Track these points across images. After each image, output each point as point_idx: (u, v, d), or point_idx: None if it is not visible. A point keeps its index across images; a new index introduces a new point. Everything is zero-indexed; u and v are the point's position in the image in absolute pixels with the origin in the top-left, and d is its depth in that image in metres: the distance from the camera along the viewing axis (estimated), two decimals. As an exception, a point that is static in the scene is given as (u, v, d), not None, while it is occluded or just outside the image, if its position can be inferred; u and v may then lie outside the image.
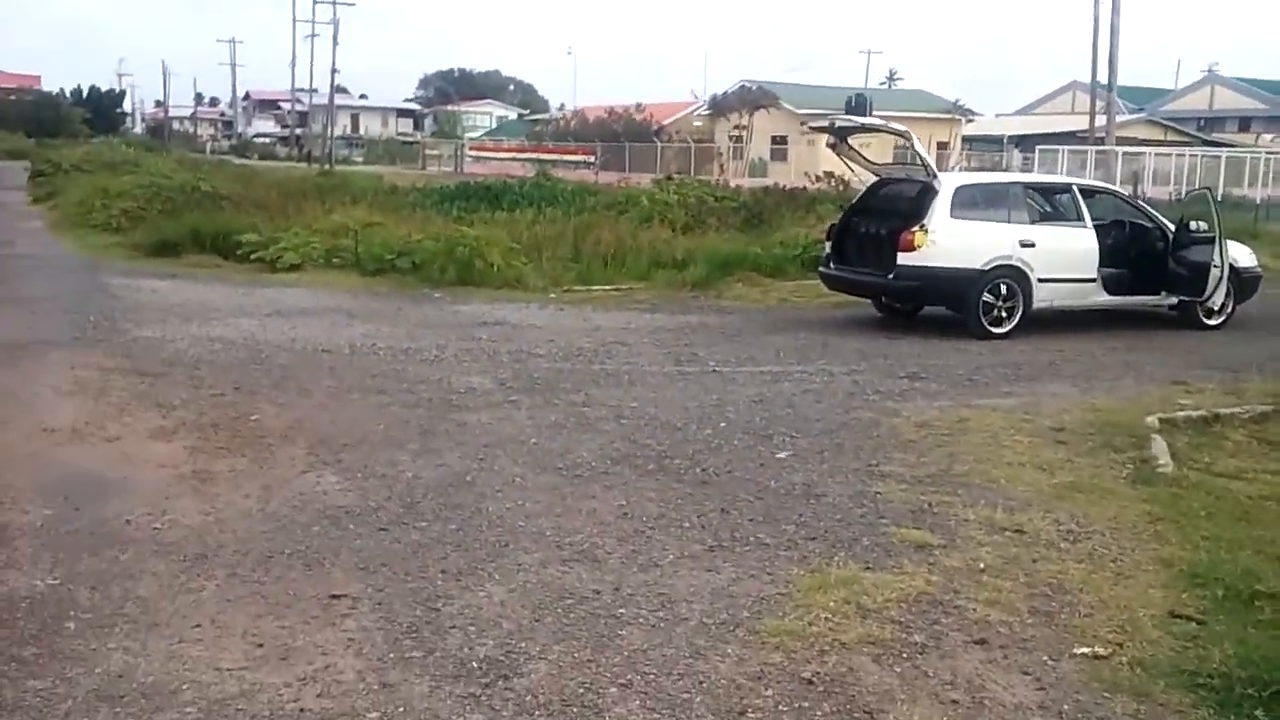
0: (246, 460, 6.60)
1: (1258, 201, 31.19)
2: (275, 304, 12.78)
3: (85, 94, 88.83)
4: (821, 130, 12.98)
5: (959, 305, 11.64)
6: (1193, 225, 12.27)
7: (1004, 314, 11.65)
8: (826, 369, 9.84)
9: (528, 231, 18.96)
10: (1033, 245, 11.65)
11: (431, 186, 30.61)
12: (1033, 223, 11.96)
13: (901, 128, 12.29)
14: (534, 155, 63.33)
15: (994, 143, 58.35)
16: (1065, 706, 3.90)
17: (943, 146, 55.85)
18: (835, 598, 4.71)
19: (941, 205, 11.54)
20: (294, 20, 69.68)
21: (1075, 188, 12.64)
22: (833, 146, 12.99)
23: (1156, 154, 36.91)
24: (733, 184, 33.36)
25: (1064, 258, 11.84)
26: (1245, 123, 63.29)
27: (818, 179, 33.19)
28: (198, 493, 5.98)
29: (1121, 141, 54.85)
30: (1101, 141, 34.36)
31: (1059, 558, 5.30)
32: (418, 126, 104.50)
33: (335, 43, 64.16)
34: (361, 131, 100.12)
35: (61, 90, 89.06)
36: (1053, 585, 4.97)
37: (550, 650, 4.20)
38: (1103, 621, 4.60)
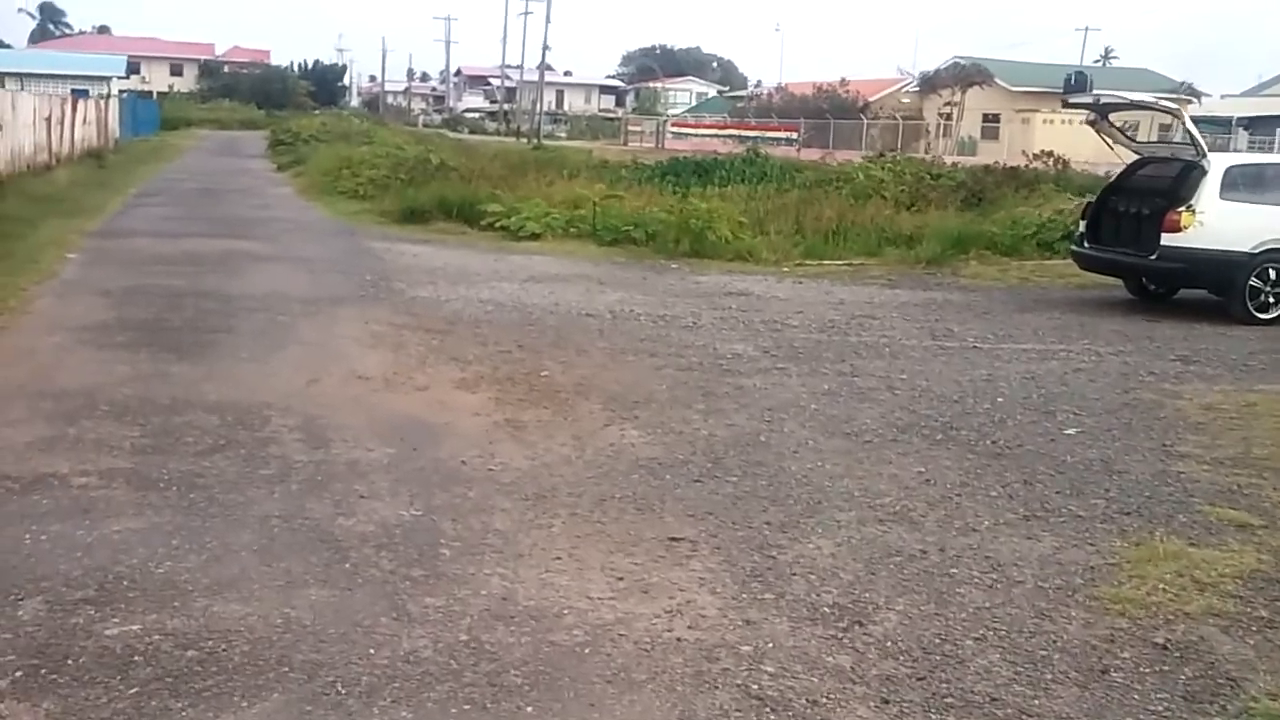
0: (549, 412, 6.99)
1: None
2: (527, 270, 13.32)
3: (310, 67, 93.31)
4: (1083, 106, 12.63)
5: (1224, 289, 11.22)
6: None
7: (1271, 299, 11.17)
8: (1091, 349, 9.67)
9: (748, 206, 19.13)
10: (1310, 229, 11.12)
11: (641, 161, 31.16)
12: (1318, 207, 11.39)
13: (1172, 105, 11.90)
14: (735, 132, 63.35)
15: (1221, 125, 55.24)
16: None
17: (1166, 129, 53.31)
18: (1168, 570, 4.72)
19: (1211, 185, 11.12)
20: (507, -2, 71.30)
21: (1360, 169, 11.97)
22: (1092, 123, 12.64)
23: None
24: (947, 161, 32.66)
25: (1338, 243, 11.25)
26: None
27: (1035, 157, 32.22)
28: (516, 439, 6.39)
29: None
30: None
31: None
32: (619, 103, 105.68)
33: (548, 20, 65.57)
34: (566, 107, 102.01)
35: (291, 64, 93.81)
36: (1393, 571, 4.84)
37: (895, 602, 4.36)
38: None
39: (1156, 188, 11.99)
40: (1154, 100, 12.15)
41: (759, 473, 5.90)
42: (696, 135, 67.46)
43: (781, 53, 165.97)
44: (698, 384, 7.87)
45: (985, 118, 53.34)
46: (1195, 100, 53.36)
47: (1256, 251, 11.03)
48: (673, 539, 4.93)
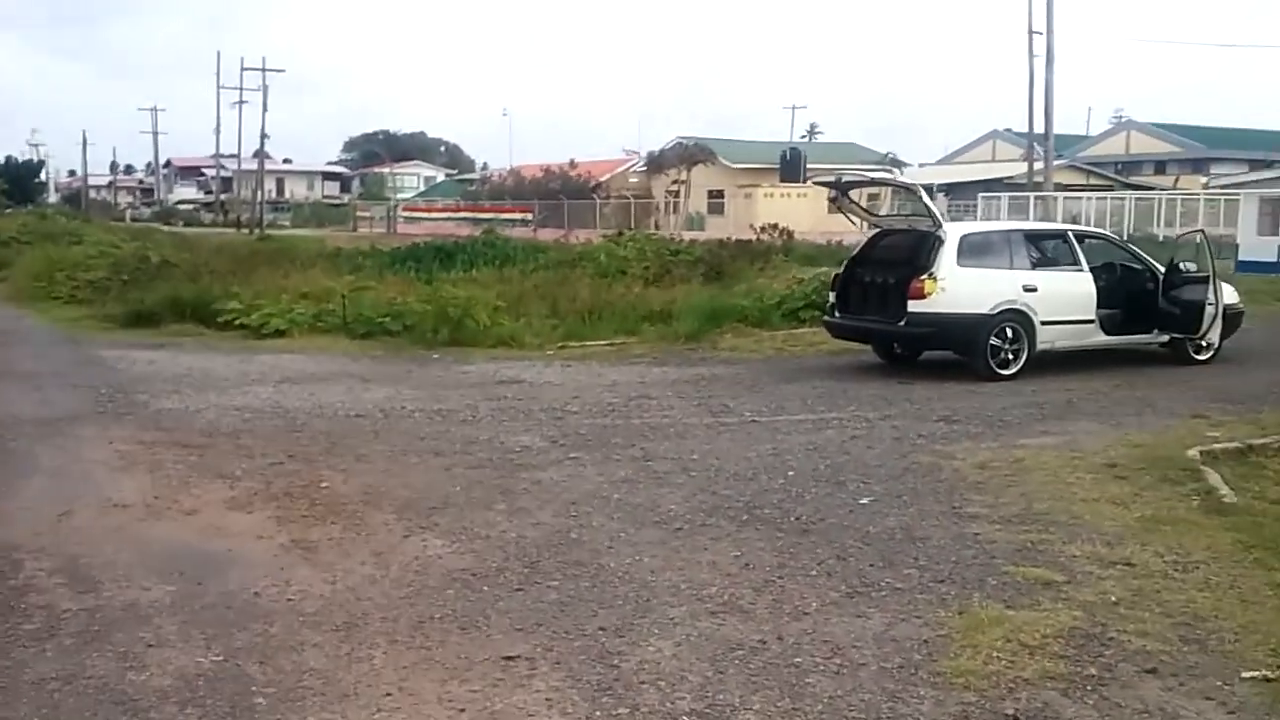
0: (339, 528, 6.54)
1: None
2: (280, 371, 12.64)
3: (2, 164, 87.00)
4: (826, 184, 13.24)
5: (968, 349, 11.93)
6: (1182, 266, 12.75)
7: (1010, 356, 11.96)
8: (859, 415, 10.01)
9: (500, 290, 19.01)
10: (1035, 290, 12.02)
11: (378, 248, 30.52)
12: (1033, 268, 12.34)
13: (908, 181, 12.67)
14: (470, 214, 63.43)
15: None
16: (1264, 729, 4.04)
17: (874, 197, 57.22)
18: (995, 636, 4.82)
19: (949, 253, 11.86)
20: (219, 87, 69.14)
21: (1070, 233, 13.09)
22: (833, 200, 13.27)
23: (1090, 197, 38.02)
24: (677, 237, 33.62)
25: (1064, 301, 12.22)
26: (1160, 165, 65.59)
27: (762, 230, 33.80)
28: (309, 562, 5.91)
29: (1036, 186, 56.65)
30: (1039, 187, 35.42)
31: (1180, 587, 5.47)
32: (344, 189, 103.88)
33: (265, 109, 63.67)
34: (287, 195, 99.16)
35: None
36: (1189, 614, 5.13)
37: (750, 701, 4.24)
38: (1253, 645, 4.77)
39: (900, 257, 12.69)
40: (892, 177, 12.88)
41: (579, 574, 5.68)
42: (429, 219, 67.06)
43: (510, 136, 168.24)
44: (493, 482, 7.58)
45: (710, 194, 55.64)
46: (899, 169, 57.60)
47: (995, 312, 11.80)
48: (507, 658, 4.63)
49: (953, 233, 12.07)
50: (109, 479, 7.69)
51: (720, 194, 55.33)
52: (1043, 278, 12.23)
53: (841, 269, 13.15)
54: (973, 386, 11.52)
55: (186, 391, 11.20)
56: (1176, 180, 60.58)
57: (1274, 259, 24.92)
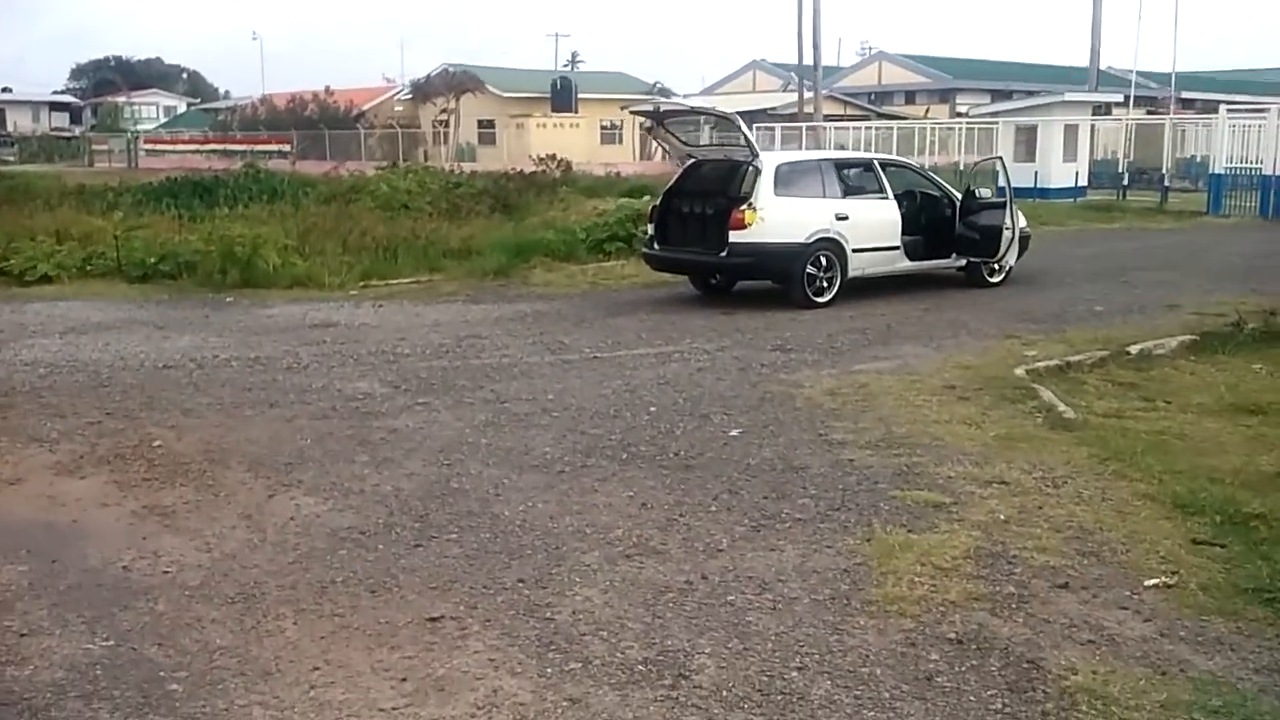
0: (192, 490, 6.03)
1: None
2: (62, 320, 11.60)
3: None
4: (644, 114, 13.07)
5: (786, 278, 12.13)
6: (978, 192, 13.35)
7: (825, 284, 12.24)
8: (697, 347, 10.03)
9: (282, 227, 18.01)
10: (846, 218, 12.32)
11: (125, 184, 28.36)
12: (844, 197, 12.62)
13: (727, 111, 12.62)
14: (221, 146, 60.03)
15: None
16: (1182, 633, 4.26)
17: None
18: (909, 562, 4.91)
19: (766, 184, 11.98)
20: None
21: (875, 162, 13.45)
22: (649, 130, 13.14)
23: (857, 127, 39.43)
24: (449, 168, 32.81)
25: (873, 228, 12.59)
26: (911, 95, 68.70)
27: (540, 160, 33.45)
28: (173, 529, 5.42)
29: (806, 116, 58.34)
30: (810, 117, 36.45)
31: (1058, 502, 5.73)
32: (75, 121, 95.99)
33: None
34: (10, 128, 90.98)
35: None
36: (1074, 528, 5.37)
37: (700, 645, 4.15)
38: (1143, 554, 5.03)
39: (714, 188, 12.74)
40: (711, 108, 12.82)
41: (475, 525, 5.43)
42: (175, 152, 63.20)
43: (261, 62, 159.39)
44: (344, 433, 7.17)
45: (481, 123, 54.52)
46: (667, 97, 58.05)
47: (810, 241, 12.03)
48: (431, 619, 4.38)
49: (769, 163, 12.19)
50: (-100, 449, 6.83)
51: (491, 124, 54.32)
52: (853, 206, 12.54)
53: (658, 201, 13.08)
54: (793, 315, 11.74)
55: (-41, 346, 10.10)
56: (927, 110, 63.72)
57: (1031, 184, 26.54)
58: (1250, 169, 24.42)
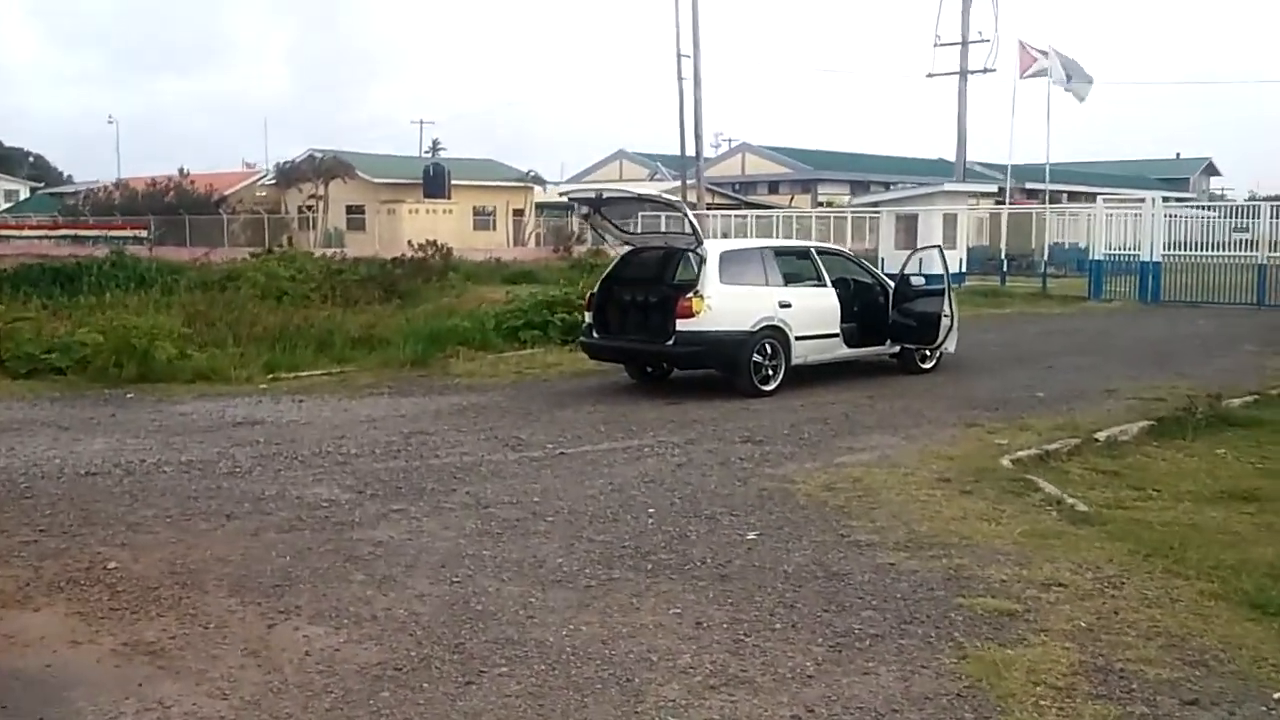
0: (175, 621, 5.25)
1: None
2: (-51, 421, 10.46)
3: None
4: (584, 201, 12.66)
5: (733, 366, 11.79)
6: (913, 280, 13.34)
7: (770, 372, 11.96)
8: (664, 441, 9.56)
9: (164, 316, 16.94)
10: (790, 305, 12.11)
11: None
12: (786, 284, 12.44)
13: (673, 198, 12.39)
14: (71, 232, 57.47)
15: (560, 209, 60.62)
16: (1348, 755, 3.95)
17: (519, 214, 57.37)
18: (1020, 682, 4.51)
19: (711, 271, 11.69)
20: None
21: (812, 249, 13.33)
22: (585, 217, 12.77)
23: (741, 216, 39.96)
24: (318, 254, 31.91)
25: (814, 315, 12.40)
26: (774, 185, 70.46)
27: (420, 247, 32.74)
28: (170, 673, 4.65)
29: (691, 205, 58.89)
30: (694, 206, 36.71)
31: (1131, 607, 5.42)
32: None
33: None
34: None
35: None
36: (1164, 634, 5.06)
37: (849, 796, 3.64)
38: (1250, 662, 4.74)
39: (653, 276, 12.42)
40: (657, 195, 12.50)
41: (523, 655, 4.82)
42: (21, 237, 60.08)
43: (117, 145, 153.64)
44: (324, 548, 6.44)
45: (349, 209, 53.48)
46: (541, 187, 58.10)
47: (756, 329, 11.76)
48: (526, 778, 3.75)
49: (713, 250, 11.92)
50: None
51: (360, 209, 53.32)
52: (795, 294, 12.36)
53: (595, 289, 12.65)
54: (741, 404, 11.39)
55: None
56: (791, 199, 65.38)
57: (915, 270, 27.01)
58: (1128, 255, 25.41)
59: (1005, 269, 29.63)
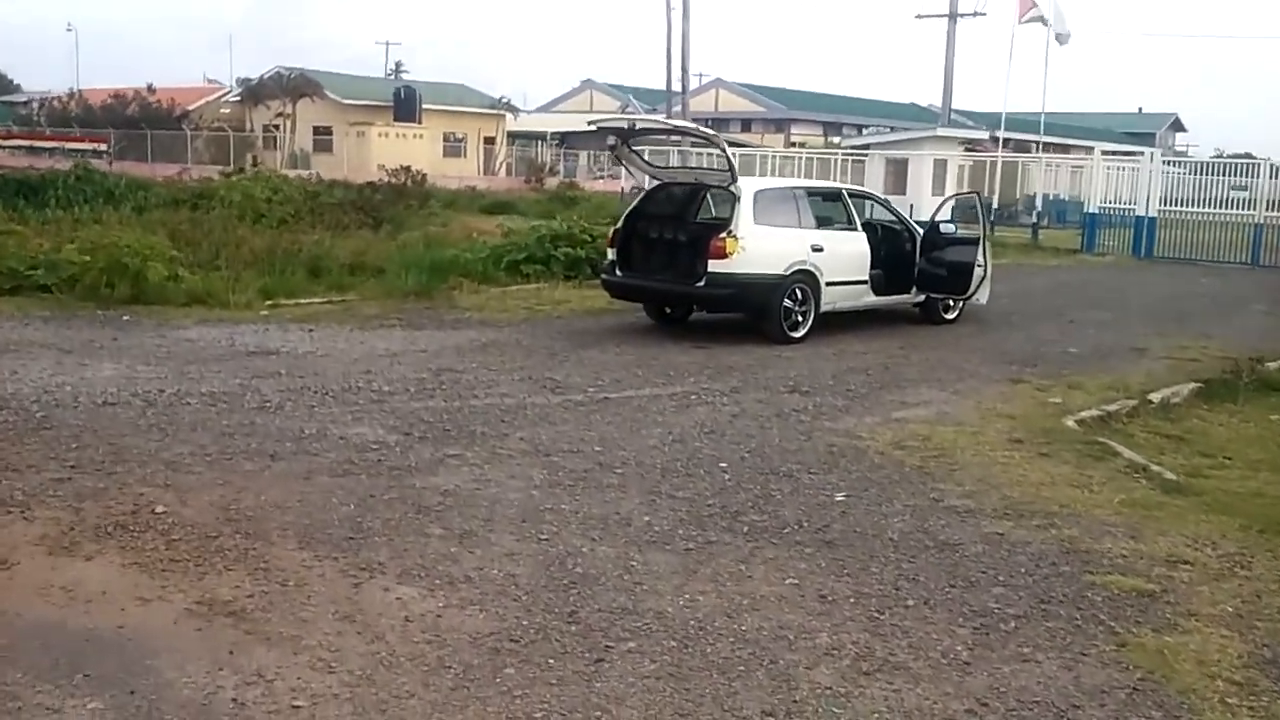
0: (247, 576, 4.78)
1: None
2: (-64, 339, 9.81)
3: None
4: (613, 131, 12.04)
5: (763, 311, 11.33)
6: (943, 227, 12.93)
7: (799, 318, 11.54)
8: (705, 388, 9.13)
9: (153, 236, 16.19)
10: (821, 250, 11.65)
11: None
12: (818, 227, 11.98)
13: (709, 132, 11.78)
14: (26, 143, 55.32)
15: (530, 139, 59.48)
16: None
17: (490, 141, 56.21)
18: (1195, 676, 4.18)
19: (745, 211, 11.18)
20: None
21: (844, 191, 12.85)
22: (612, 148, 12.17)
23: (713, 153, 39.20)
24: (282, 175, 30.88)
25: (845, 261, 11.96)
26: (747, 124, 69.54)
27: (392, 172, 31.85)
28: (262, 638, 4.20)
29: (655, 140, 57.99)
30: (679, 142, 35.97)
31: (1272, 590, 5.11)
32: None
33: None
34: None
35: None
36: (1317, 621, 4.75)
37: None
38: None
39: (680, 213, 11.92)
40: (694, 126, 11.91)
41: (646, 628, 4.41)
42: (-30, 147, 57.96)
43: (76, 55, 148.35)
44: (387, 495, 5.97)
45: (316, 130, 52.03)
46: (513, 115, 56.91)
47: (788, 273, 11.30)
48: (701, 778, 3.35)
49: (747, 188, 11.40)
50: None
51: (328, 131, 51.86)
52: (827, 237, 11.90)
53: (619, 224, 12.10)
54: (772, 351, 10.96)
55: None
56: (763, 137, 64.66)
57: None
58: (1123, 210, 25.19)
59: (993, 219, 29.30)
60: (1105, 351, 11.73)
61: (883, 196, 14.76)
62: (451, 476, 6.36)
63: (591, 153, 60.90)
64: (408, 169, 33.39)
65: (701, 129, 11.80)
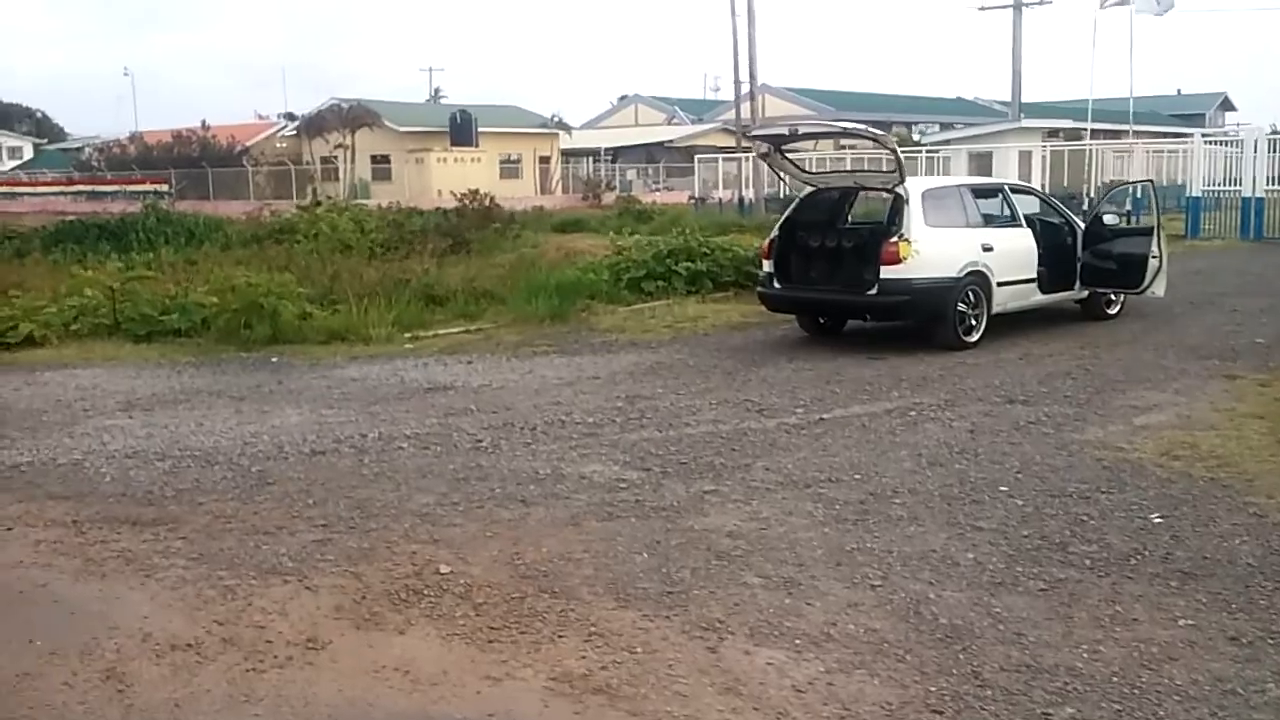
0: (590, 647, 4.34)
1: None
2: (102, 393, 9.51)
3: None
4: (770, 139, 11.54)
5: (937, 317, 10.79)
6: (1106, 218, 12.34)
7: (974, 322, 11.00)
8: (917, 403, 8.61)
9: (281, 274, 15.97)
10: (991, 249, 11.12)
11: (10, 228, 25.58)
12: (986, 226, 11.44)
13: (877, 132, 11.29)
14: (88, 188, 55.99)
15: (583, 155, 59.27)
16: None
17: (545, 161, 56.02)
18: None
19: (915, 213, 10.67)
20: None
21: (1006, 188, 12.29)
22: (764, 156, 11.70)
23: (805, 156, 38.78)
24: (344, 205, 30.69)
25: (1014, 259, 11.41)
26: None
27: (463, 197, 31.56)
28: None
29: (702, 149, 57.75)
30: (748, 151, 35.57)
31: None
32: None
33: None
34: None
35: None
36: None
37: None
38: None
39: (827, 220, 11.48)
40: (864, 129, 11.41)
41: (1079, 694, 3.90)
42: (34, 194, 58.57)
43: (134, 99, 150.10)
44: (673, 540, 5.51)
45: (374, 159, 52.08)
46: (567, 131, 56.71)
47: (961, 275, 10.78)
48: None
49: (915, 189, 10.88)
50: (75, 595, 4.90)
51: (385, 159, 51.89)
52: (996, 236, 11.36)
53: (775, 234, 11.60)
54: (952, 358, 10.41)
55: (11, 434, 7.98)
56: (816, 142, 63.94)
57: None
58: (1228, 191, 24.39)
59: (1086, 208, 28.54)
60: (1291, 341, 11.09)
61: (1042, 190, 14.14)
62: (724, 516, 5.89)
63: (641, 166, 60.80)
64: (476, 192, 33.12)
65: (870, 129, 11.27)
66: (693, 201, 39.75)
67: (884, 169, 11.05)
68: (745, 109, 74.64)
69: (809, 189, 11.73)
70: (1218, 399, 8.51)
